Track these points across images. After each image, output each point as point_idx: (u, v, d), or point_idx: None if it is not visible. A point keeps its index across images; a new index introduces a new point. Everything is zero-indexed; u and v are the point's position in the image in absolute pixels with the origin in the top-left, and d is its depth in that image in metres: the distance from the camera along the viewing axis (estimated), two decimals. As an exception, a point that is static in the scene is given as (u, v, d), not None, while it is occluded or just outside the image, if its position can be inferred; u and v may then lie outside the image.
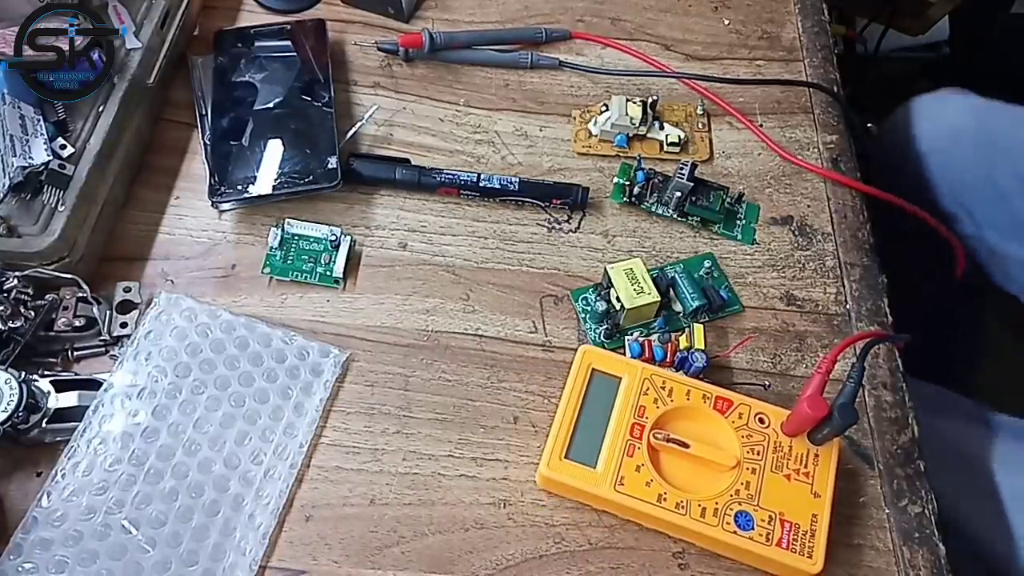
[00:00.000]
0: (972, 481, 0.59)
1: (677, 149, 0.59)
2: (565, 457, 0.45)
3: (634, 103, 0.58)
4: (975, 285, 0.72)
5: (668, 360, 0.49)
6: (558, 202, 0.56)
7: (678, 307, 0.52)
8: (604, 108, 0.60)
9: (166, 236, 0.53)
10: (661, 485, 0.44)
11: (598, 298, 0.52)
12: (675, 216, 0.56)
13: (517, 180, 0.56)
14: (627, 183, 0.56)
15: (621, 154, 0.59)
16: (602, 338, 0.51)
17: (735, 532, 0.43)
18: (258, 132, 0.55)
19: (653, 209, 0.56)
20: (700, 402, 0.47)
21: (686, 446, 0.45)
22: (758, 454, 0.45)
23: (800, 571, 0.43)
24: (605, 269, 0.51)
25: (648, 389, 0.47)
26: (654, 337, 0.50)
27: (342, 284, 0.52)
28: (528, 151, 0.59)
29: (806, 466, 0.45)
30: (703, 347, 0.49)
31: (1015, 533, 0.56)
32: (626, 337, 0.50)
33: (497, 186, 0.55)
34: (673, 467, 0.45)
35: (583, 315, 0.52)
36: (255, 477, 0.45)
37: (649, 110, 0.59)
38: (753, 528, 0.43)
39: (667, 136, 0.59)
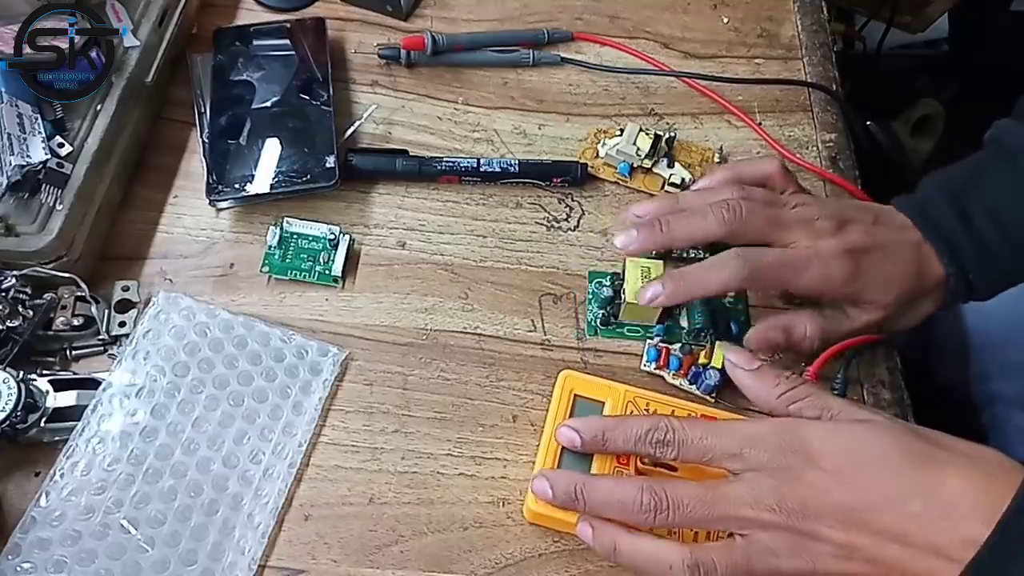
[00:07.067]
0: None
1: (678, 190, 0.56)
2: None
3: (647, 134, 0.56)
4: None
5: (683, 371, 0.49)
6: (558, 181, 0.56)
7: (685, 322, 0.51)
8: (620, 132, 0.57)
9: (164, 235, 0.53)
10: None
11: (610, 284, 0.52)
12: (706, 255, 0.53)
13: (516, 162, 0.56)
14: None
15: (621, 181, 0.57)
16: (597, 322, 0.51)
17: None
18: (256, 131, 0.55)
19: (683, 255, 0.53)
20: None
21: (673, 470, 0.44)
22: None
23: None
24: (624, 259, 0.50)
25: (632, 412, 0.46)
26: (676, 347, 0.50)
27: (341, 283, 0.52)
28: (527, 149, 0.59)
29: None
30: (720, 366, 0.48)
31: None
32: (647, 341, 0.50)
33: (497, 169, 0.56)
34: None
35: (590, 296, 0.52)
36: (254, 476, 0.45)
37: (664, 145, 0.56)
38: None
39: (671, 175, 0.56)
